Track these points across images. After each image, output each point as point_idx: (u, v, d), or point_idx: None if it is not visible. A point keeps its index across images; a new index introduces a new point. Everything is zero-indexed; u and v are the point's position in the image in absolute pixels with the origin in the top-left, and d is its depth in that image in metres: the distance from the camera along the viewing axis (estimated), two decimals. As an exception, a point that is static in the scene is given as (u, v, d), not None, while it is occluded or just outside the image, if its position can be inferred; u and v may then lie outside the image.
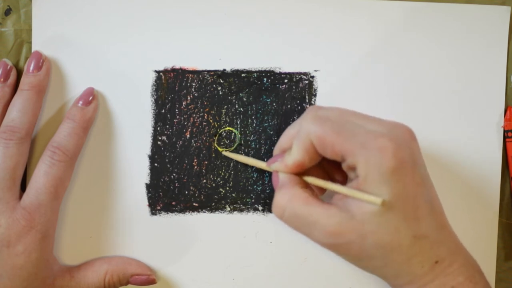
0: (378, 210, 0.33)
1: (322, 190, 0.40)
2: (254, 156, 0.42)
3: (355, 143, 0.34)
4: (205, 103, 0.42)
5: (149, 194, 0.42)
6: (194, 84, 0.42)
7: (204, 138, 0.42)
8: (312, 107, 0.37)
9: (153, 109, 0.42)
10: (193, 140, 0.42)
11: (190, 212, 0.42)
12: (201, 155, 0.42)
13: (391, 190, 0.33)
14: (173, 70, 0.42)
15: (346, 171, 0.36)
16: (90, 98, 0.41)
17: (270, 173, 0.42)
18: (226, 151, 0.42)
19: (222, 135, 0.42)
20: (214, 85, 0.42)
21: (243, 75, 0.42)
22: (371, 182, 0.33)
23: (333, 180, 0.39)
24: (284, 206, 0.35)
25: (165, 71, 0.42)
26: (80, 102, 0.40)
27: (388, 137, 0.34)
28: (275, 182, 0.38)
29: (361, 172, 0.34)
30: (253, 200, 0.43)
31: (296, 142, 0.36)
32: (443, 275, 0.34)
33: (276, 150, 0.39)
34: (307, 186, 0.37)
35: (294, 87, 0.42)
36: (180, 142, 0.42)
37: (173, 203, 0.42)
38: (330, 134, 0.34)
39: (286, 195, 0.36)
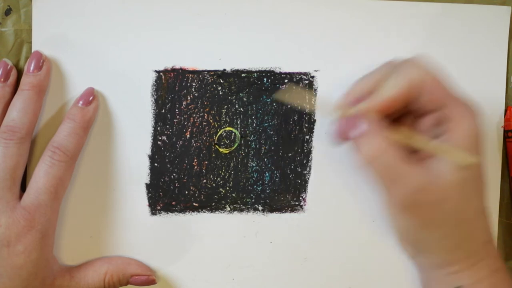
0: (461, 177, 0.33)
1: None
2: (254, 156, 0.42)
3: (458, 99, 0.34)
4: (205, 103, 0.42)
5: (149, 194, 0.42)
6: (194, 84, 0.42)
7: (204, 138, 0.42)
8: (415, 57, 0.37)
9: (153, 109, 0.42)
10: (193, 140, 0.42)
11: (190, 212, 0.42)
12: (201, 155, 0.42)
13: (476, 159, 0.34)
14: (173, 70, 0.42)
15: (429, 125, 0.36)
16: (90, 98, 0.41)
17: (269, 173, 0.42)
18: (296, 88, 0.39)
19: (222, 135, 0.42)
20: (214, 85, 0.42)
21: (243, 75, 0.42)
22: (463, 143, 0.34)
23: None
24: (379, 153, 0.34)
25: (165, 71, 0.42)
26: (80, 102, 0.40)
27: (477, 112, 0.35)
28: (344, 128, 0.36)
29: (456, 128, 0.34)
30: (253, 200, 0.43)
31: (394, 77, 0.35)
32: (489, 257, 0.35)
33: (353, 93, 0.38)
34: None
35: (294, 87, 0.42)
36: (180, 142, 0.42)
37: (173, 203, 0.42)
38: (435, 79, 0.35)
39: (383, 143, 0.34)
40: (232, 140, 0.42)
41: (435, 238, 0.36)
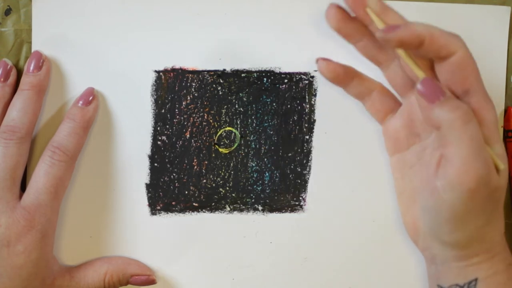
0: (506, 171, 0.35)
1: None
2: (254, 156, 0.42)
3: (483, 90, 0.35)
4: (205, 103, 0.42)
5: (149, 194, 0.42)
6: (194, 84, 0.42)
7: (204, 138, 0.42)
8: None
9: (153, 109, 0.42)
10: (193, 140, 0.42)
11: (190, 212, 0.42)
12: (201, 155, 0.42)
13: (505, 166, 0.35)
14: (173, 70, 0.42)
15: None
16: (90, 98, 0.41)
17: (269, 173, 0.42)
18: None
19: (222, 135, 0.42)
20: (214, 85, 0.42)
21: (243, 75, 0.42)
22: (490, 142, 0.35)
23: None
24: (472, 117, 0.33)
25: (165, 71, 0.42)
26: (80, 102, 0.40)
27: None
28: (428, 92, 0.34)
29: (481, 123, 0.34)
30: (253, 200, 0.43)
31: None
32: (505, 251, 0.36)
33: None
34: None
35: (294, 87, 0.42)
36: (180, 142, 0.42)
37: (173, 203, 0.42)
38: (471, 59, 0.34)
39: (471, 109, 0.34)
40: (232, 140, 0.42)
41: (478, 225, 0.35)
